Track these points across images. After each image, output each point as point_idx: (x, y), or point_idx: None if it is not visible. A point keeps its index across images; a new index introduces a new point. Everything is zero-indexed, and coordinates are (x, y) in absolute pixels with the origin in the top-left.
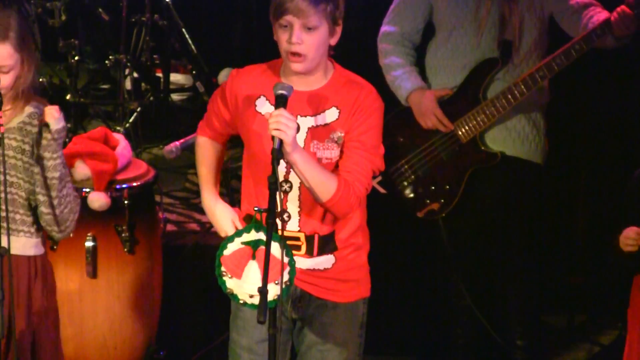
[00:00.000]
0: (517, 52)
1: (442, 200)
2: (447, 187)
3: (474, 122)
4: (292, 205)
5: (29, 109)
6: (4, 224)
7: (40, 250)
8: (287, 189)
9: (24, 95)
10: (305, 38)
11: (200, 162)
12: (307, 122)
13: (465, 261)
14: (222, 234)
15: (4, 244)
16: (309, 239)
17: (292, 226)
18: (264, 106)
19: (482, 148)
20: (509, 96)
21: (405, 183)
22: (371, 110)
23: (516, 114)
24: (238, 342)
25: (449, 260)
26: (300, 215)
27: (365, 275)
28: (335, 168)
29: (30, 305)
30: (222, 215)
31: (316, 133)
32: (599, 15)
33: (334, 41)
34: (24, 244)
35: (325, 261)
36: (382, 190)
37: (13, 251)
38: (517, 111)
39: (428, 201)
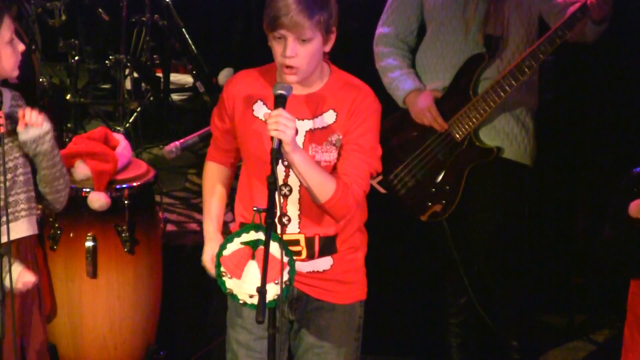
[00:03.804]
0: (506, 48)
1: (444, 201)
2: (448, 187)
3: (467, 120)
4: (292, 208)
5: (7, 93)
6: (7, 223)
7: (36, 229)
8: (287, 193)
9: None
10: (300, 50)
11: (205, 189)
12: (305, 125)
13: (468, 260)
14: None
15: (8, 234)
16: (309, 241)
17: (292, 228)
18: (261, 110)
19: (478, 144)
20: (499, 90)
21: (406, 188)
22: (369, 112)
23: (505, 116)
24: (236, 339)
25: (451, 260)
26: (300, 218)
27: (362, 278)
28: (333, 171)
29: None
30: (205, 253)
31: (314, 136)
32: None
33: (327, 48)
34: (28, 225)
35: (324, 263)
36: (382, 190)
37: (19, 235)
38: (506, 113)
39: (430, 204)
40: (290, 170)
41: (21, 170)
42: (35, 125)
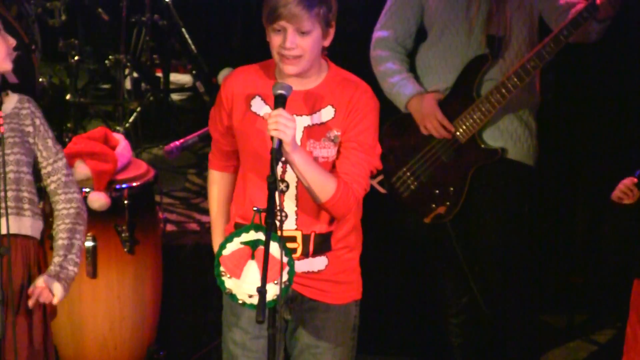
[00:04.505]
0: (508, 49)
1: (448, 203)
2: (452, 189)
3: (471, 121)
4: (290, 204)
5: (13, 96)
6: (7, 216)
7: (26, 230)
8: (284, 189)
9: None
10: (299, 42)
11: (211, 204)
12: (303, 121)
13: (472, 262)
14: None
15: (8, 233)
16: (305, 238)
17: (289, 225)
18: (260, 106)
19: (482, 146)
20: (503, 90)
21: (409, 190)
22: (367, 109)
23: (508, 116)
24: (232, 339)
25: (454, 261)
26: (297, 214)
27: (358, 278)
28: (332, 168)
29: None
30: None
31: (312, 132)
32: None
33: (327, 43)
34: (32, 225)
35: (319, 262)
36: (382, 190)
37: (20, 231)
38: (509, 113)
39: (434, 205)
40: (287, 166)
41: (11, 168)
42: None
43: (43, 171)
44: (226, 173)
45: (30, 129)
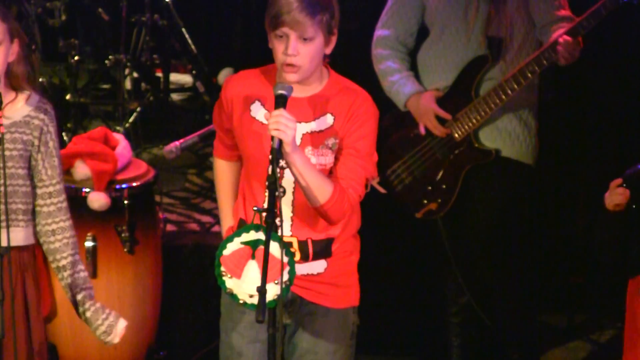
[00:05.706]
0: (508, 50)
1: (440, 200)
2: (444, 186)
3: (467, 120)
4: (286, 209)
5: (30, 101)
6: (7, 223)
7: (33, 239)
8: (281, 194)
9: (19, 83)
10: (301, 49)
11: (218, 192)
12: (302, 128)
13: (464, 260)
14: None
15: (5, 241)
16: (302, 244)
17: (285, 231)
18: (259, 111)
19: (477, 145)
20: (500, 93)
21: (403, 184)
22: (366, 117)
23: (507, 115)
24: (228, 344)
25: (448, 259)
26: (293, 220)
27: (356, 283)
28: (329, 174)
29: (25, 295)
30: None
31: (311, 139)
32: (558, 32)
33: (328, 50)
34: (26, 235)
35: (319, 265)
36: (382, 190)
37: (17, 243)
38: (508, 112)
39: (426, 201)
40: (284, 171)
41: (23, 182)
42: None
43: (38, 190)
44: (231, 161)
45: (36, 142)
